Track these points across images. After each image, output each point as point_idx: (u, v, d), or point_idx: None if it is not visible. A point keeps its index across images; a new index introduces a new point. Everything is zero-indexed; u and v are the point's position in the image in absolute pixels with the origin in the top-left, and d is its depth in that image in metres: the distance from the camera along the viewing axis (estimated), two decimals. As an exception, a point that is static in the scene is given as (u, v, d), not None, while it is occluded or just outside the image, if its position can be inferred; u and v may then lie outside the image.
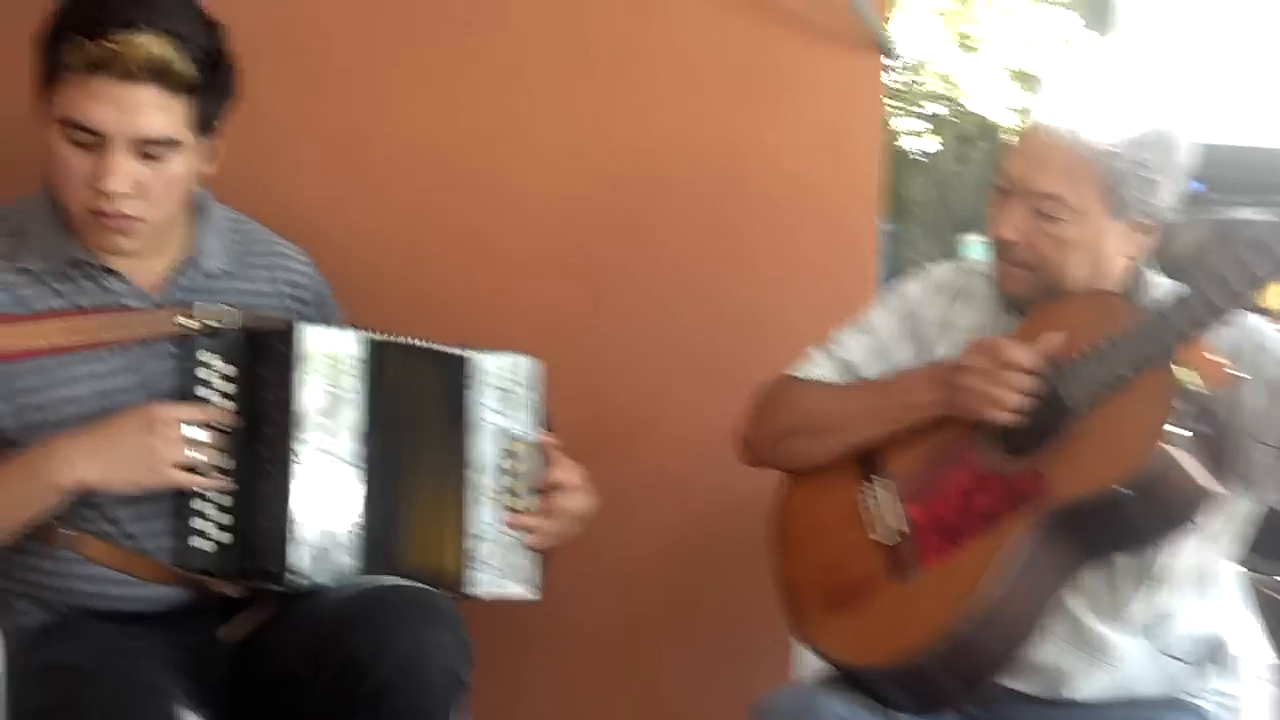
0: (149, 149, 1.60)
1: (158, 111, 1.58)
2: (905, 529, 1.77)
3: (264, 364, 1.67)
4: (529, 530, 1.80)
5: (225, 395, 1.69)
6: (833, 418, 1.87)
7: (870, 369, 1.92)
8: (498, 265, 2.33)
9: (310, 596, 1.65)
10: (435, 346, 1.77)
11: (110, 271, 1.69)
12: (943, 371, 1.78)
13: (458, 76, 2.30)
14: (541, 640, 2.29)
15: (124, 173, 1.59)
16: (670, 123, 2.38)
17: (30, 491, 1.61)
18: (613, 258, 2.38)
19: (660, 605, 2.44)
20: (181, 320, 1.69)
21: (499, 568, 1.78)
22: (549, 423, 1.85)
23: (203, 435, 1.64)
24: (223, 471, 1.67)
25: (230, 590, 1.70)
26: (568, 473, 1.81)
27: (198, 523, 1.68)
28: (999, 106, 7.54)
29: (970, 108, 7.59)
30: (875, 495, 1.82)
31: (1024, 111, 7.75)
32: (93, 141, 1.58)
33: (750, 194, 2.42)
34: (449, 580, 1.75)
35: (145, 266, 1.72)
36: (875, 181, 2.47)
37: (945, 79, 7.30)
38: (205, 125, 1.65)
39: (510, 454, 1.79)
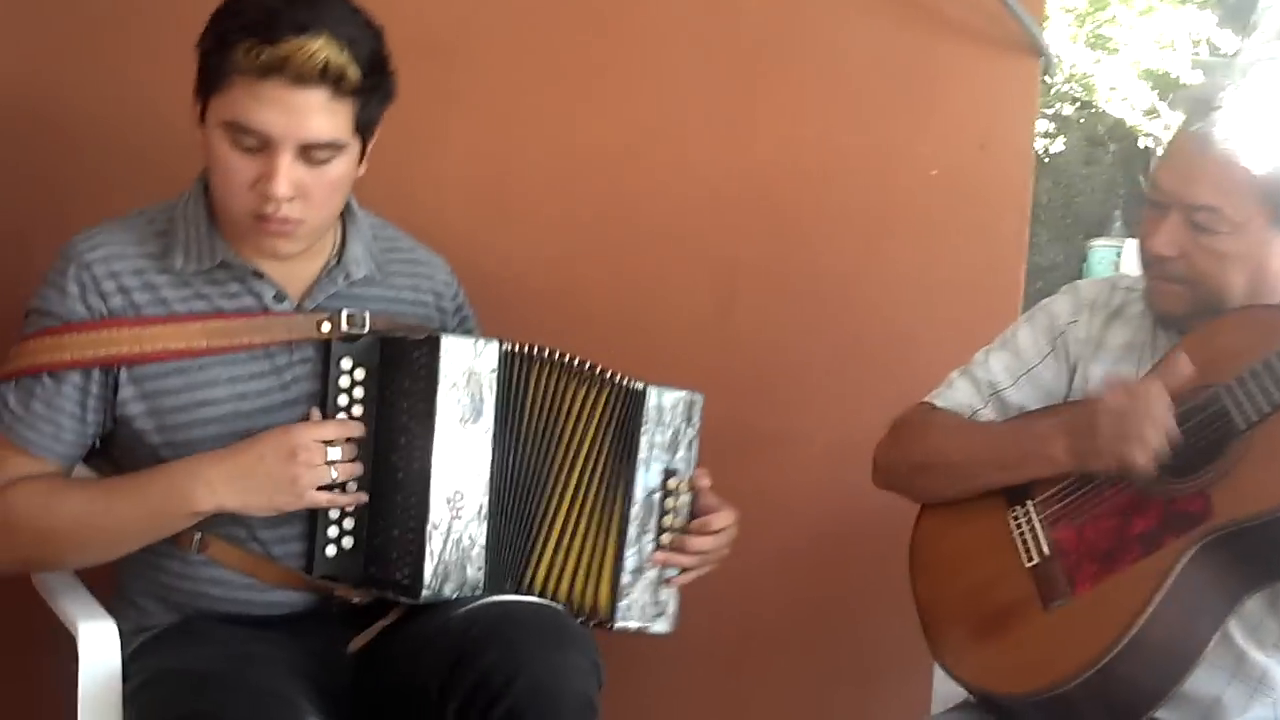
0: (314, 153, 1.58)
1: (326, 115, 1.57)
2: (1054, 553, 1.72)
3: (405, 374, 1.65)
4: (678, 567, 1.80)
5: (364, 404, 1.67)
6: (962, 460, 1.83)
7: (1015, 390, 1.87)
8: (641, 274, 2.30)
9: (438, 609, 1.63)
10: (597, 369, 1.75)
11: (258, 275, 1.68)
12: (1080, 420, 1.71)
13: (604, 86, 2.28)
14: (665, 660, 2.26)
15: (290, 177, 1.57)
16: (819, 129, 2.35)
17: (168, 511, 1.61)
18: (756, 266, 2.35)
19: (788, 626, 2.41)
20: (325, 327, 1.68)
21: (647, 605, 1.79)
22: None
23: (343, 454, 1.63)
24: (359, 482, 1.66)
25: (357, 598, 1.69)
26: (723, 517, 1.81)
27: (331, 531, 1.67)
28: (1131, 108, 7.32)
29: (1104, 109, 7.38)
30: (1023, 520, 1.77)
31: (1154, 113, 7.50)
32: (259, 145, 1.56)
33: (898, 202, 2.38)
34: (601, 614, 1.76)
35: (293, 271, 1.70)
36: (1028, 191, 2.42)
37: (1078, 79, 7.11)
38: (366, 129, 1.64)
39: (670, 492, 1.79)
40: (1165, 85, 7.30)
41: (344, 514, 1.68)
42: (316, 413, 1.67)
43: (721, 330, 2.36)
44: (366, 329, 1.69)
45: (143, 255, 1.66)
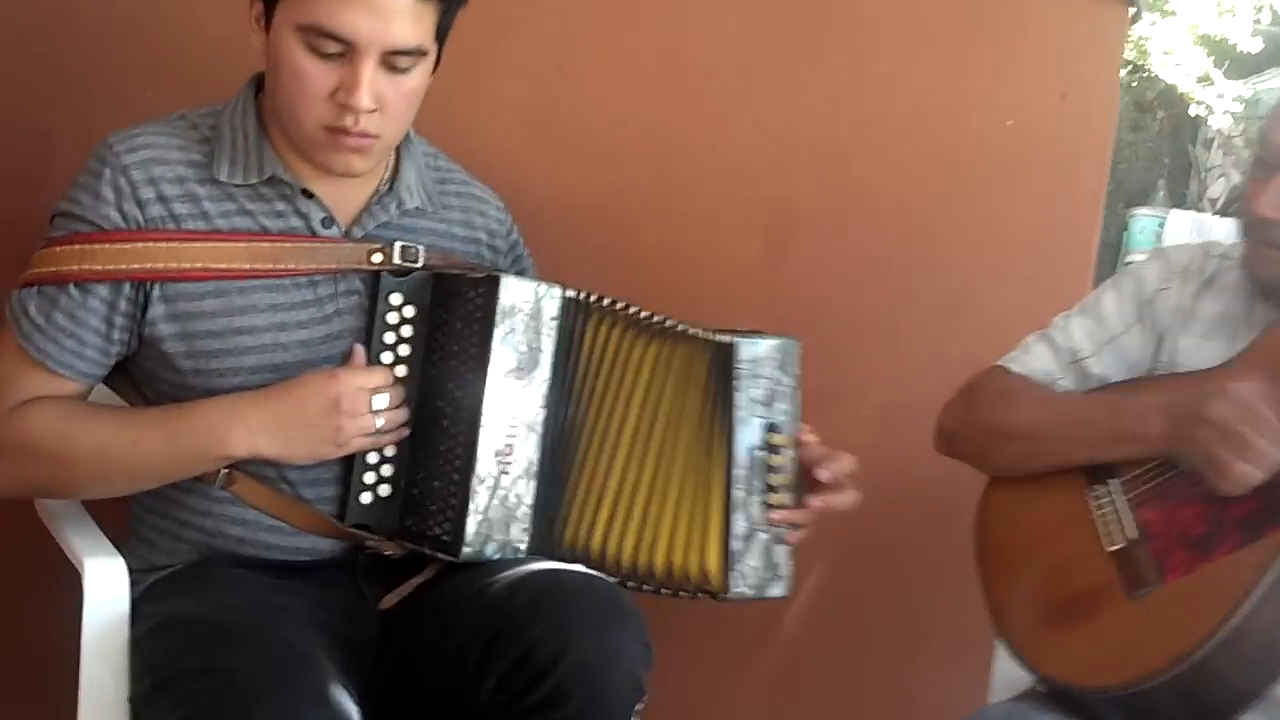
0: (397, 60, 1.45)
1: (412, 20, 1.44)
2: (1141, 537, 1.60)
3: (458, 315, 1.53)
4: (790, 526, 1.68)
5: (411, 344, 1.55)
6: (1049, 433, 1.70)
7: (1096, 360, 1.75)
8: (691, 212, 2.19)
9: (477, 570, 1.51)
10: (676, 325, 1.63)
11: (307, 194, 1.56)
12: (1183, 408, 1.58)
13: (661, 14, 2.15)
14: (701, 633, 2.16)
15: (372, 87, 1.45)
16: (889, 71, 2.22)
17: (199, 451, 1.50)
18: (813, 212, 2.24)
19: (831, 598, 2.30)
20: (376, 258, 1.56)
21: (761, 569, 1.66)
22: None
23: (388, 402, 1.52)
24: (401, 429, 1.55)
25: (389, 550, 1.57)
26: (838, 468, 1.67)
27: (367, 477, 1.55)
28: (1185, 75, 7.12)
29: (1156, 74, 7.17)
30: (1105, 500, 1.65)
31: (1207, 80, 7.27)
32: (340, 51, 1.44)
33: (969, 153, 2.27)
34: (712, 584, 1.65)
35: (343, 195, 1.58)
36: (1109, 147, 2.31)
37: (1132, 41, 6.90)
38: (444, 35, 1.51)
39: (774, 448, 1.66)
40: (1222, 52, 7.10)
41: (382, 459, 1.56)
42: (360, 351, 1.55)
43: (772, 277, 2.25)
44: (420, 263, 1.57)
45: (185, 162, 1.53)
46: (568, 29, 2.11)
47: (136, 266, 1.49)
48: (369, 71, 1.44)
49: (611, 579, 1.57)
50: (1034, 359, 1.77)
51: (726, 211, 2.20)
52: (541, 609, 1.42)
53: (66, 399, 1.52)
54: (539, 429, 1.55)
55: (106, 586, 1.51)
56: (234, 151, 1.54)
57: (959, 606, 2.22)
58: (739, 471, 1.64)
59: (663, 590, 1.63)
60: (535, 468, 1.54)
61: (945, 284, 2.28)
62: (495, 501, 1.52)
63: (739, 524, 1.64)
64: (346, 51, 1.44)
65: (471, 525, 1.50)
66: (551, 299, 1.54)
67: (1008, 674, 1.72)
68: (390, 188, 1.60)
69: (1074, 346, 1.76)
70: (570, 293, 1.56)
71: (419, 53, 1.47)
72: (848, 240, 2.25)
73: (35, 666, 1.75)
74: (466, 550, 1.50)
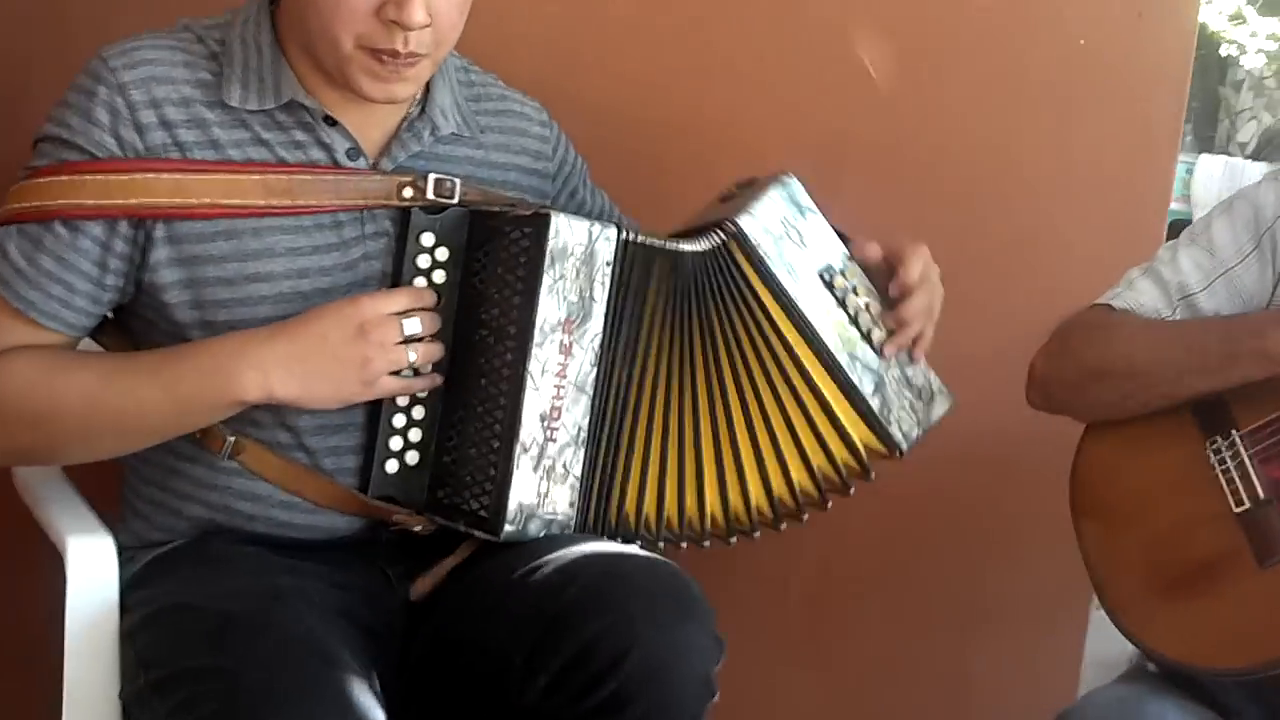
0: None
1: None
2: (1272, 497, 1.44)
3: (498, 258, 1.35)
4: (910, 346, 1.54)
5: (444, 290, 1.37)
6: (1160, 361, 1.54)
7: (1208, 295, 1.58)
8: (733, 145, 1.98)
9: (520, 550, 1.34)
10: (689, 246, 1.43)
11: (330, 122, 1.37)
12: None
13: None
14: (758, 616, 2.03)
15: (426, 4, 1.27)
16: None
17: (205, 396, 1.31)
18: (866, 144, 2.05)
19: (900, 571, 2.13)
20: (407, 192, 1.37)
21: (913, 402, 1.54)
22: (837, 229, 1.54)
23: (420, 328, 1.34)
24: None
25: (418, 526, 1.40)
26: (915, 262, 1.51)
27: (393, 442, 1.38)
28: (1217, 13, 6.95)
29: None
30: (1226, 454, 1.49)
31: (1239, 18, 7.07)
32: None
33: (1036, 76, 2.08)
34: (883, 451, 1.52)
35: (370, 121, 1.39)
36: (1188, 70, 2.14)
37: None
38: None
39: (840, 290, 1.49)
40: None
41: (410, 422, 1.38)
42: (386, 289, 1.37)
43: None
44: (456, 198, 1.38)
45: (192, 81, 1.34)
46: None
47: (135, 201, 1.30)
48: None
49: (705, 542, 1.45)
50: (1139, 294, 1.61)
51: (770, 141, 2.01)
52: (601, 600, 1.25)
53: (47, 348, 1.33)
54: (589, 390, 1.37)
55: (92, 568, 1.34)
56: (246, 72, 1.35)
57: (1037, 577, 2.07)
58: (829, 338, 1.48)
59: (826, 501, 1.51)
60: (585, 434, 1.37)
61: (1009, 222, 2.10)
62: (540, 473, 1.35)
63: (864, 383, 1.50)
64: None
65: (514, 500, 1.33)
66: (607, 241, 1.36)
67: (1104, 651, 1.56)
68: (422, 111, 1.41)
69: (1182, 280, 1.59)
70: (627, 234, 1.38)
71: None
72: (902, 175, 2.06)
73: (17, 660, 1.58)
74: (508, 529, 1.33)
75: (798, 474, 1.49)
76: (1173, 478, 1.51)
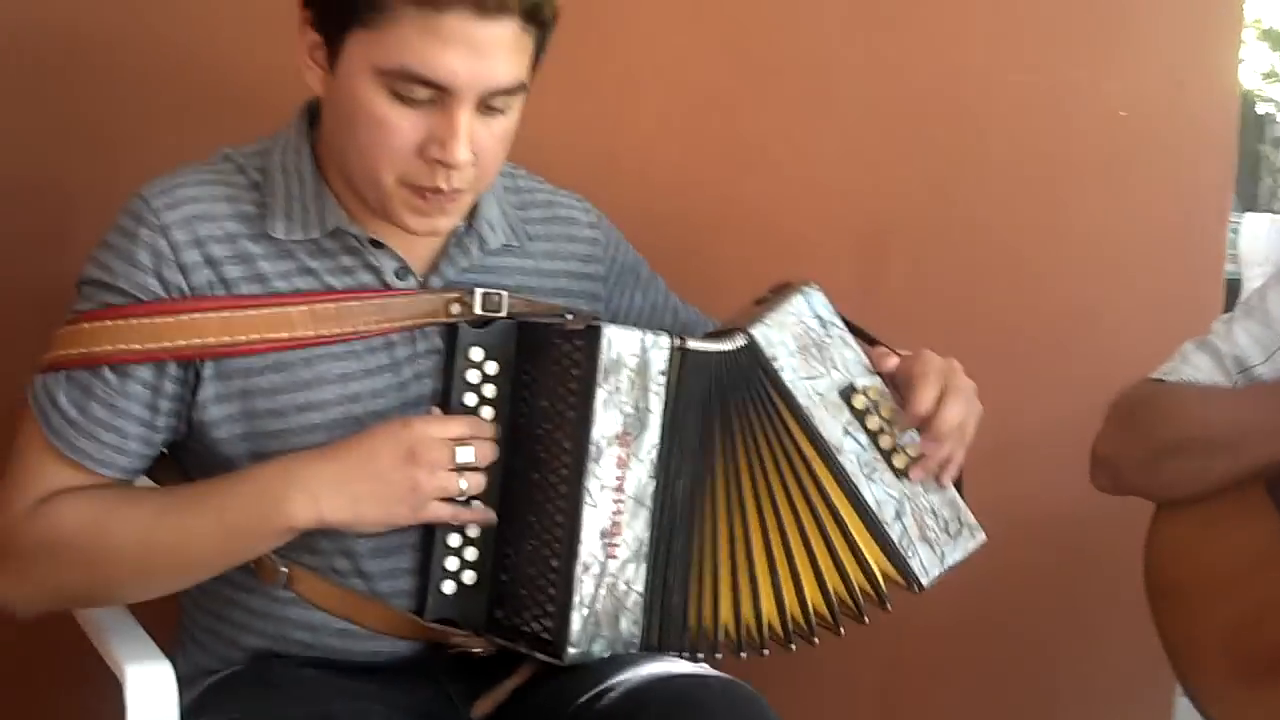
0: (495, 101, 1.25)
1: (515, 53, 1.23)
2: None
3: (550, 371, 1.32)
4: (934, 472, 1.42)
5: (495, 405, 1.34)
6: (1228, 431, 1.51)
7: (1268, 367, 1.55)
8: (773, 235, 2.00)
9: (583, 671, 1.30)
10: (717, 347, 1.38)
11: (376, 244, 1.34)
12: None
13: (729, 26, 1.96)
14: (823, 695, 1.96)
15: (470, 136, 1.24)
16: (985, 61, 2.04)
17: (255, 524, 1.28)
18: (909, 226, 2.05)
19: (967, 661, 2.08)
20: (455, 309, 1.34)
21: (936, 535, 1.43)
22: (865, 334, 1.47)
23: (473, 456, 1.30)
24: (483, 499, 1.33)
25: (478, 648, 1.36)
26: (928, 385, 1.39)
27: (449, 562, 1.34)
28: (1250, 71, 6.93)
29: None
30: (1303, 529, 1.43)
31: (1273, 76, 7.03)
32: (431, 98, 1.22)
33: (1079, 149, 2.08)
34: (901, 583, 1.41)
35: (419, 239, 1.36)
36: (1233, 136, 2.11)
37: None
38: (537, 63, 1.30)
39: (860, 410, 1.40)
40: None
41: (466, 541, 1.35)
42: (438, 412, 1.34)
43: (867, 301, 1.98)
44: (504, 311, 1.35)
45: (234, 216, 1.32)
46: (626, 43, 1.92)
47: (183, 343, 1.28)
48: (465, 119, 1.23)
49: (761, 650, 1.37)
50: (1194, 369, 1.58)
51: (812, 231, 2.01)
52: None
53: (98, 487, 1.31)
54: (649, 503, 1.33)
55: (152, 695, 1.30)
56: (290, 201, 1.33)
57: (1116, 663, 2.01)
58: (845, 458, 1.40)
59: (839, 620, 1.40)
60: (646, 548, 1.33)
61: (1060, 298, 2.09)
62: (603, 591, 1.30)
63: (885, 508, 1.40)
64: (437, 97, 1.22)
65: (576, 621, 1.29)
66: (660, 350, 1.32)
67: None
68: (469, 226, 1.38)
69: (1239, 354, 1.56)
70: (679, 341, 1.34)
71: (519, 90, 1.27)
72: (949, 255, 2.06)
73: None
74: (572, 651, 1.29)
75: (812, 588, 1.40)
76: (1252, 557, 1.47)
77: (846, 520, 1.40)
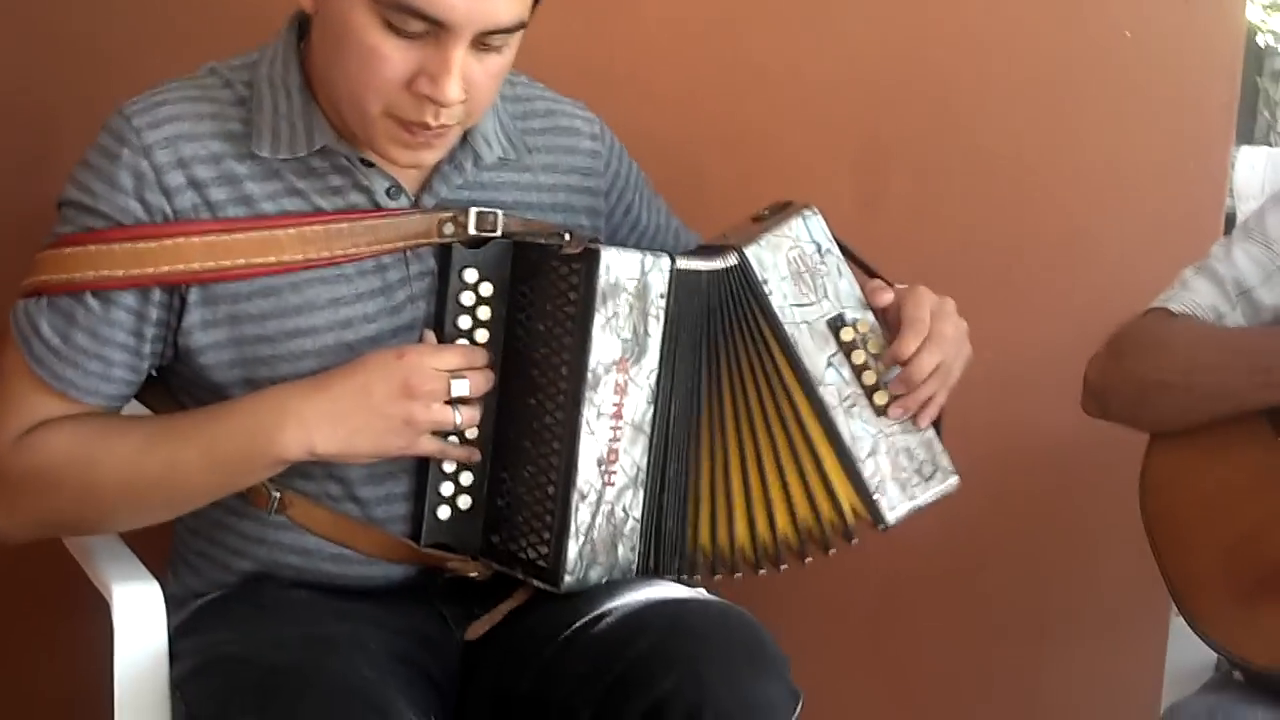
0: (491, 39, 1.20)
1: None
2: None
3: (547, 294, 1.29)
4: (913, 412, 1.38)
5: (489, 328, 1.31)
6: (1213, 370, 1.49)
7: (1268, 290, 1.53)
8: (771, 161, 1.95)
9: (577, 596, 1.29)
10: (710, 265, 1.35)
11: (366, 163, 1.30)
12: None
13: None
14: (819, 632, 1.95)
15: (462, 75, 1.20)
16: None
17: (248, 457, 1.26)
18: (909, 151, 2.00)
19: (945, 580, 2.07)
20: (448, 228, 1.31)
21: (909, 475, 1.39)
22: (864, 263, 1.43)
23: (469, 388, 1.27)
24: (480, 427, 1.32)
25: (474, 572, 1.35)
26: (914, 328, 1.34)
27: (444, 487, 1.32)
28: (1251, 2, 6.84)
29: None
30: (1303, 451, 1.42)
31: (1276, 7, 6.93)
32: (425, 30, 1.18)
33: (1081, 72, 2.02)
34: (866, 520, 1.38)
35: None
36: (1239, 57, 2.08)
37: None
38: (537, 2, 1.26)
39: (847, 343, 1.37)
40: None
41: (461, 466, 1.33)
42: (430, 336, 1.31)
43: (866, 224, 1.96)
44: (499, 231, 1.31)
45: (220, 135, 1.28)
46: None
47: (167, 269, 1.25)
48: (459, 57, 1.18)
49: (738, 573, 1.35)
50: (1195, 294, 1.56)
51: (811, 153, 1.97)
52: (670, 654, 1.18)
53: (85, 416, 1.28)
54: (647, 429, 1.31)
55: (140, 615, 1.30)
56: (276, 118, 1.28)
57: (1111, 585, 2.01)
58: (826, 389, 1.36)
59: (807, 557, 1.38)
60: (643, 474, 1.31)
61: (1061, 222, 2.04)
62: (600, 519, 1.29)
63: (860, 444, 1.37)
64: (432, 30, 1.18)
65: (573, 549, 1.27)
66: (660, 272, 1.29)
67: (1181, 661, 1.50)
68: (463, 141, 1.33)
69: (1239, 276, 1.54)
70: (681, 263, 1.31)
71: (518, 28, 1.22)
72: (949, 178, 2.01)
73: (67, 714, 1.56)
74: (569, 579, 1.28)
75: (784, 519, 1.38)
76: (1247, 480, 1.45)
77: (820, 452, 1.37)
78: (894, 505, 1.39)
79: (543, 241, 1.31)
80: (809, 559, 1.39)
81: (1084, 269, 2.03)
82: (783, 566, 1.39)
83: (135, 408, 1.36)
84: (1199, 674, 1.53)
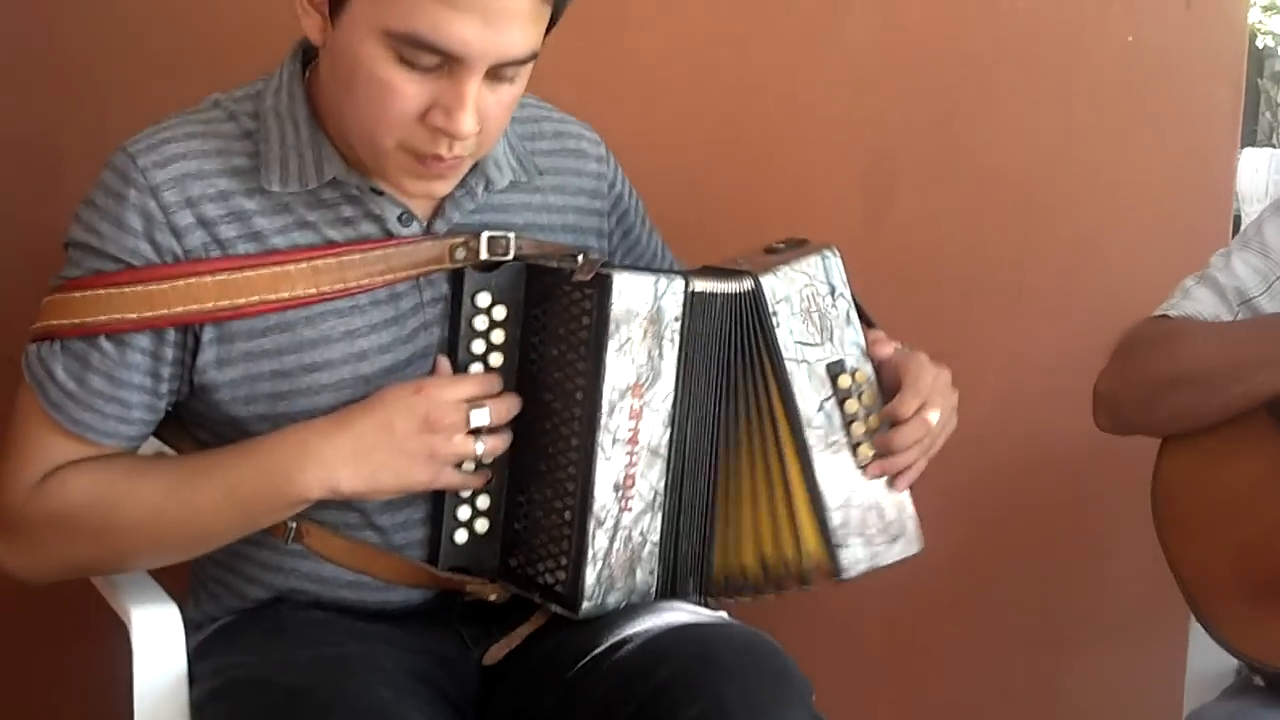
0: (504, 70, 1.19)
1: (530, 23, 1.17)
2: None
3: (559, 317, 1.28)
4: (892, 473, 1.37)
5: (503, 351, 1.30)
6: (1219, 361, 1.48)
7: (1269, 298, 1.53)
8: (777, 169, 1.96)
9: (597, 621, 1.28)
10: (725, 288, 1.33)
11: (377, 192, 1.28)
12: None
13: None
14: (856, 654, 1.97)
15: (476, 108, 1.18)
16: (988, -5, 1.98)
17: (268, 499, 1.25)
18: (916, 159, 2.00)
19: (958, 591, 2.06)
20: (460, 253, 1.29)
21: (874, 534, 1.37)
22: (866, 315, 1.41)
23: (488, 418, 1.26)
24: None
25: (492, 595, 1.34)
26: (913, 393, 1.34)
27: (461, 511, 1.32)
28: (1251, 2, 6.83)
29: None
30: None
31: (1274, 8, 6.94)
32: (438, 65, 1.16)
33: (1085, 77, 2.03)
34: (823, 570, 1.35)
35: None
36: (1242, 61, 2.07)
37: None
38: (550, 29, 1.25)
39: (843, 390, 1.35)
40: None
41: (477, 490, 1.32)
42: (445, 363, 1.30)
43: (874, 234, 2.03)
44: (511, 254, 1.30)
45: (226, 172, 1.26)
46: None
47: (180, 309, 1.23)
48: (474, 89, 1.17)
49: (751, 596, 1.34)
50: (1196, 303, 1.56)
51: (818, 163, 1.97)
52: (694, 683, 1.16)
53: (107, 458, 1.27)
54: (663, 453, 1.29)
55: (158, 638, 1.30)
56: (284, 150, 1.26)
57: (1130, 591, 2.00)
58: (812, 431, 1.34)
59: (765, 592, 1.36)
60: (661, 499, 1.30)
61: (1067, 230, 2.05)
62: (618, 545, 1.27)
63: (832, 492, 1.35)
64: (446, 64, 1.16)
65: (590, 575, 1.26)
66: (674, 295, 1.28)
67: (1202, 667, 1.50)
68: (474, 166, 1.31)
69: (1240, 285, 1.54)
70: (694, 285, 1.29)
71: (530, 59, 1.21)
72: (955, 187, 2.01)
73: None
74: (586, 606, 1.26)
75: (750, 553, 1.36)
76: (1256, 483, 1.45)
77: (794, 493, 1.35)
78: (856, 560, 1.36)
79: (555, 265, 1.30)
80: (765, 595, 1.37)
81: (1092, 277, 2.03)
82: (743, 597, 1.37)
83: (153, 443, 1.35)
84: (1220, 680, 1.52)
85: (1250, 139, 7.34)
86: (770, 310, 1.32)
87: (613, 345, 1.24)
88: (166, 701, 1.29)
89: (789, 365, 1.33)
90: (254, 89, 1.31)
